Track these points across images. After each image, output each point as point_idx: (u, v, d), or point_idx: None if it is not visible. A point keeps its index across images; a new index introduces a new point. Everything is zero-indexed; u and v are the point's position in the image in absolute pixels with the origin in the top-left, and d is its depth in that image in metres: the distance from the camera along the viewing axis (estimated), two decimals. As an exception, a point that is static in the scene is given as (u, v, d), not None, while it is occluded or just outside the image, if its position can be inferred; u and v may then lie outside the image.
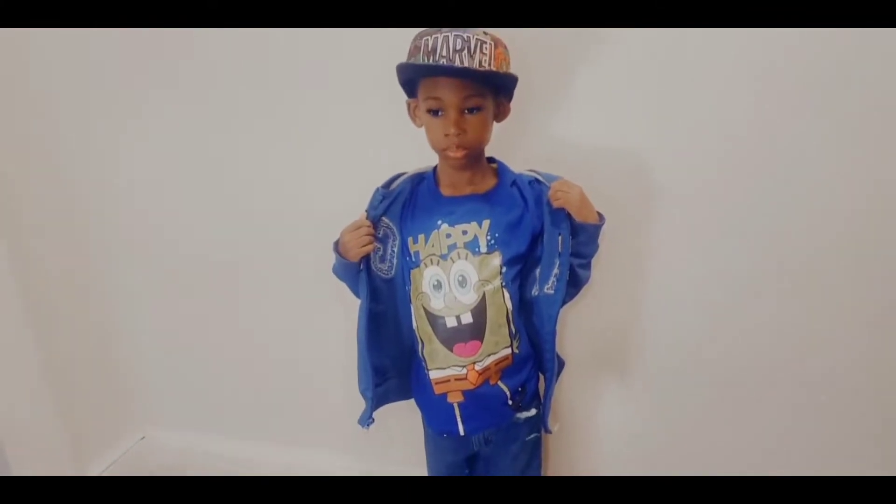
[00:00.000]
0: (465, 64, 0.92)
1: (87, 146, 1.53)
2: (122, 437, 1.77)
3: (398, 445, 1.48)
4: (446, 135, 0.98)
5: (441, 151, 1.02)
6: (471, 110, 0.97)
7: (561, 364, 1.22)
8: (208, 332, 1.65)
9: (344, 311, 1.17)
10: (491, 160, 1.12)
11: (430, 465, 1.27)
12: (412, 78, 1.00)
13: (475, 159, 1.05)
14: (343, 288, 1.15)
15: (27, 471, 1.44)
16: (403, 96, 1.05)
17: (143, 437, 1.81)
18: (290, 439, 1.69)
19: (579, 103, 1.21)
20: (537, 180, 1.06)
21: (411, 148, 1.11)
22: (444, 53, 0.92)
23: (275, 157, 1.42)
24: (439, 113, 0.98)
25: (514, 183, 1.07)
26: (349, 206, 1.11)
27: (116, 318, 1.69)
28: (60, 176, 1.54)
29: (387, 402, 1.21)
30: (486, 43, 0.94)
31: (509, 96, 1.04)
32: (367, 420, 1.16)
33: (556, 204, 1.02)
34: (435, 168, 1.12)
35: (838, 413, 1.31)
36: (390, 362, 1.18)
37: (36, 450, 1.47)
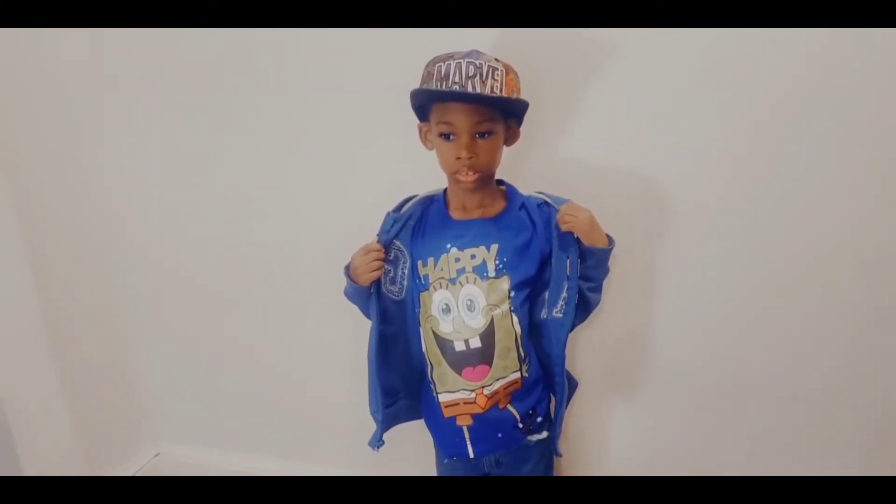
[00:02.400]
0: (478, 90, 0.94)
1: (102, 166, 1.56)
2: (138, 453, 1.79)
3: (410, 465, 1.47)
4: (458, 158, 0.99)
5: (452, 175, 1.03)
6: (482, 135, 0.98)
7: (574, 385, 1.21)
8: (222, 350, 1.67)
9: (356, 330, 1.17)
10: (500, 183, 1.12)
11: (440, 487, 1.27)
12: (424, 103, 1.02)
13: (485, 182, 1.05)
14: (355, 307, 1.16)
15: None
16: (415, 117, 1.07)
17: (158, 454, 1.82)
18: (302, 457, 1.70)
19: (587, 125, 1.21)
20: (546, 203, 1.07)
21: (423, 168, 1.12)
22: (457, 79, 0.94)
23: (290, 178, 1.44)
24: (451, 137, 0.99)
25: (522, 206, 1.07)
26: (363, 224, 1.12)
27: (131, 335, 1.72)
28: (82, 199, 1.57)
29: (397, 423, 1.21)
30: (497, 69, 0.95)
31: (519, 121, 1.05)
32: (377, 442, 1.17)
33: (564, 228, 1.02)
34: (445, 191, 1.12)
35: (862, 426, 1.29)
36: (401, 383, 1.18)
37: (52, 466, 1.49)
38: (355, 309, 1.16)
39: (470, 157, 0.98)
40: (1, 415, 1.39)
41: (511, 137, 1.06)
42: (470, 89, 0.93)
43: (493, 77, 0.95)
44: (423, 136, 1.08)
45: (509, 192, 1.11)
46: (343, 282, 1.13)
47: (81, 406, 1.59)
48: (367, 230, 1.12)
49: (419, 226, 1.10)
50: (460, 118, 0.97)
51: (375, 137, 1.33)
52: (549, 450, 1.18)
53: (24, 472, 1.42)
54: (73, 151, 1.54)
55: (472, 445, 1.11)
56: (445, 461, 1.21)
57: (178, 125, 1.47)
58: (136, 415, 1.78)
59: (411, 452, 1.34)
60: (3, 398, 1.38)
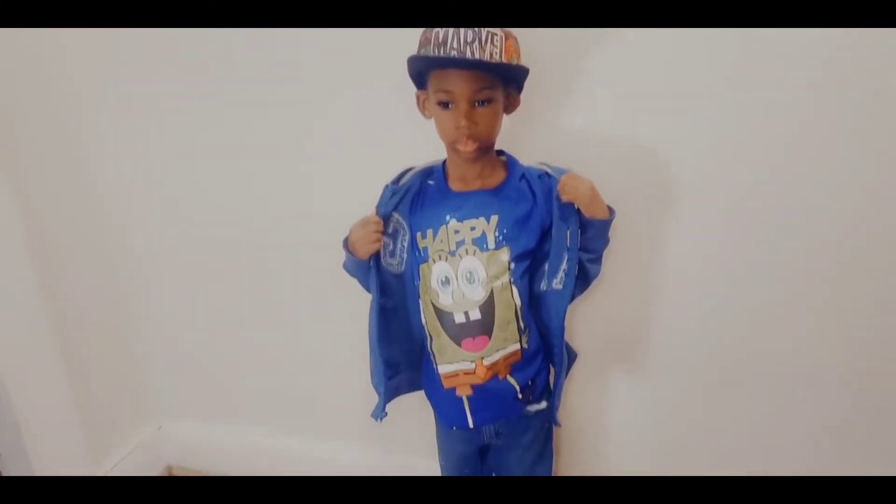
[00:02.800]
0: (476, 56, 0.91)
1: (105, 144, 1.54)
2: (139, 426, 1.80)
3: (411, 436, 1.49)
4: (457, 127, 0.97)
5: (451, 144, 1.01)
6: (482, 102, 0.96)
7: (573, 357, 1.22)
8: (223, 325, 1.66)
9: (357, 302, 1.17)
10: (500, 153, 1.11)
11: (442, 457, 1.28)
12: (422, 70, 0.99)
13: (485, 152, 1.04)
14: (355, 280, 1.16)
15: (44, 460, 1.47)
16: (412, 89, 1.04)
17: (160, 427, 1.83)
18: (303, 430, 1.71)
19: (589, 95, 1.19)
20: (547, 174, 1.05)
21: (422, 140, 1.10)
22: (455, 45, 0.91)
23: (288, 150, 1.42)
24: (449, 105, 0.97)
25: (523, 177, 1.06)
26: (362, 197, 1.11)
27: (131, 309, 1.71)
28: (79, 173, 1.55)
29: (399, 394, 1.22)
30: (496, 35, 0.93)
31: (520, 88, 1.03)
32: (380, 413, 1.17)
33: (564, 198, 1.01)
34: (444, 162, 1.11)
35: (857, 407, 1.29)
36: (402, 356, 1.18)
37: (53, 439, 1.50)
38: (355, 282, 1.16)
39: (469, 126, 0.96)
40: (2, 389, 1.39)
41: (511, 105, 1.04)
42: (468, 55, 0.91)
43: (492, 43, 0.92)
44: (421, 105, 1.06)
45: (509, 163, 1.09)
46: (342, 255, 1.12)
47: (83, 379, 1.59)
48: (371, 204, 1.10)
49: (418, 198, 1.09)
50: (459, 85, 0.94)
51: (373, 111, 1.30)
52: (549, 420, 1.19)
53: (25, 446, 1.43)
54: (70, 130, 1.51)
55: (472, 415, 1.11)
56: (445, 431, 1.22)
57: (179, 106, 1.44)
58: (138, 389, 1.78)
59: (413, 424, 1.36)
60: (3, 374, 1.38)
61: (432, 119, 1.03)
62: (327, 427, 1.68)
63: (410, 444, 1.54)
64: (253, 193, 1.49)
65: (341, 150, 1.37)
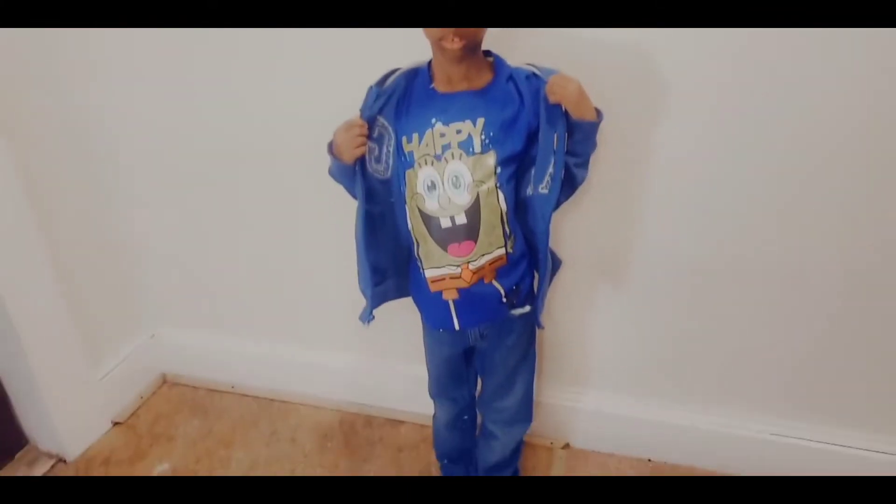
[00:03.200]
0: None
1: (88, 54, 1.47)
2: (132, 335, 1.84)
3: (398, 340, 1.54)
4: None
5: (437, 42, 0.97)
6: None
7: (557, 263, 1.24)
8: (215, 233, 1.67)
9: (345, 209, 1.16)
10: (487, 54, 1.07)
11: (428, 360, 1.33)
12: None
13: (472, 51, 1.00)
14: (341, 187, 1.15)
15: (41, 369, 1.51)
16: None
17: (153, 336, 1.88)
18: (293, 336, 1.76)
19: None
20: (535, 74, 1.03)
21: (407, 41, 1.05)
22: None
23: (273, 56, 1.37)
24: None
25: (510, 78, 1.03)
26: (347, 101, 1.09)
27: (123, 218, 1.70)
28: (64, 82, 1.49)
29: (386, 300, 1.25)
30: None
31: None
32: (367, 317, 1.20)
33: (552, 99, 0.99)
34: (430, 63, 1.07)
35: (847, 324, 1.32)
36: (389, 262, 1.20)
37: (48, 349, 1.53)
38: (342, 188, 1.15)
39: None
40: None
41: None
42: None
43: None
44: (406, 1, 1.01)
45: (496, 64, 1.06)
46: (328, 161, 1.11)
47: (77, 288, 1.60)
48: (351, 108, 1.08)
49: (403, 100, 1.06)
50: None
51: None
52: (532, 323, 1.23)
53: (24, 354, 1.46)
54: (56, 40, 1.44)
55: (458, 318, 1.14)
56: (432, 334, 1.27)
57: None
58: (132, 298, 1.80)
59: (400, 329, 1.39)
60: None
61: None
62: (317, 333, 1.73)
63: (398, 350, 1.59)
64: (240, 103, 1.44)
65: (326, 53, 1.32)
